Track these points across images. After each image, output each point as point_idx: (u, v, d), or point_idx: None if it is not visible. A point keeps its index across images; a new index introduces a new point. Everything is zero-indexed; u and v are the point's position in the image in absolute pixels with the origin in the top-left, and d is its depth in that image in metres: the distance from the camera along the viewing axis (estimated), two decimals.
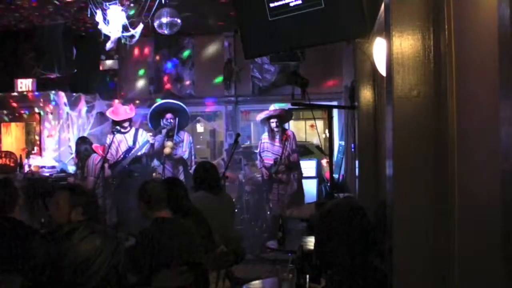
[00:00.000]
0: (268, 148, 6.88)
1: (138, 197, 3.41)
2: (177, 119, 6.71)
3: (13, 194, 3.47)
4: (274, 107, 7.03)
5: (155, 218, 3.34)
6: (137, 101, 9.04)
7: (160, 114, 6.77)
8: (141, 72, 9.73)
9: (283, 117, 6.92)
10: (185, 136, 6.87)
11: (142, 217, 3.48)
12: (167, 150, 6.55)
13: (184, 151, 6.74)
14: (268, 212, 7.02)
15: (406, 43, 2.16)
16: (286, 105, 7.90)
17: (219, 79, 9.47)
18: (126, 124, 6.66)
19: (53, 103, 8.59)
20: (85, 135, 7.90)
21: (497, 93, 1.35)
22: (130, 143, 6.58)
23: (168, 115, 6.68)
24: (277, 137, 6.84)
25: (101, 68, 9.31)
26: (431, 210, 2.12)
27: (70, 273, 2.79)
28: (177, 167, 6.76)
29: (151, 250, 3.17)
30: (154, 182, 3.66)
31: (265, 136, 7.01)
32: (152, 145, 6.54)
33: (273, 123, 6.81)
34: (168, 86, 9.59)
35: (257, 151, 7.23)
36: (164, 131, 6.61)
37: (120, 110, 6.77)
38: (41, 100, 8.64)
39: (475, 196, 1.82)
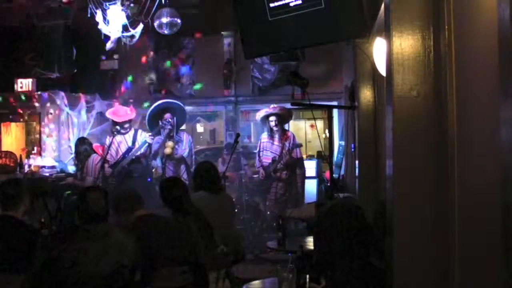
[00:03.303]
0: (267, 148, 6.86)
1: (113, 208, 3.43)
2: (175, 118, 6.71)
3: (21, 194, 3.47)
4: (274, 106, 7.01)
5: (136, 216, 3.35)
6: (131, 100, 9.02)
7: (158, 115, 6.76)
8: (141, 72, 9.72)
9: (282, 115, 6.89)
10: (185, 136, 6.88)
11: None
12: (167, 150, 6.55)
13: (184, 149, 6.74)
14: (268, 212, 7.00)
15: (406, 43, 2.16)
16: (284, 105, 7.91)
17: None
18: (126, 125, 6.65)
19: (53, 103, 8.59)
20: (85, 135, 7.90)
21: (497, 93, 1.35)
22: (130, 143, 6.58)
23: (167, 115, 6.67)
24: (276, 136, 6.81)
25: (101, 68, 9.30)
26: (431, 210, 2.12)
27: (72, 273, 2.79)
28: (179, 166, 6.76)
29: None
30: (122, 189, 3.70)
31: (264, 136, 6.98)
32: (150, 146, 6.52)
33: (272, 121, 6.77)
34: (168, 86, 9.60)
35: (255, 151, 7.21)
36: (164, 131, 6.60)
37: (121, 111, 6.76)
38: (41, 100, 8.63)
39: (475, 196, 1.82)
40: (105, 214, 3.15)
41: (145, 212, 3.44)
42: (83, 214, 3.12)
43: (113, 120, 6.81)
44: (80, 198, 3.19)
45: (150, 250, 3.18)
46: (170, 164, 6.71)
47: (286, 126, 7.98)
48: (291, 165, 6.81)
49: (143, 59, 9.58)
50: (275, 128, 6.78)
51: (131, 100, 8.98)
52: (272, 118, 6.78)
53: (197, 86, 9.58)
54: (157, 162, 6.94)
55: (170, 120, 6.64)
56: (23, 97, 8.66)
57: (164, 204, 3.75)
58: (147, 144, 6.47)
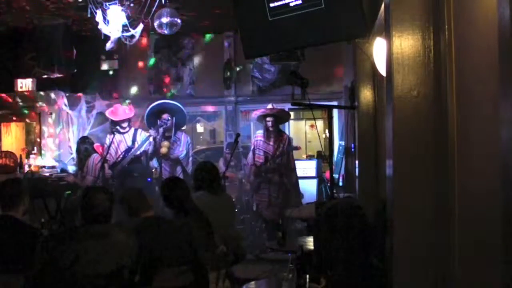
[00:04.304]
0: (261, 146, 6.75)
1: (119, 202, 3.46)
2: (174, 119, 6.71)
3: (21, 194, 3.46)
4: (271, 106, 6.93)
5: (142, 218, 3.36)
6: (135, 101, 9.03)
7: (156, 115, 6.77)
8: (141, 72, 9.72)
9: (279, 117, 6.80)
10: (183, 137, 6.86)
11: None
12: (163, 150, 6.56)
13: (181, 151, 6.73)
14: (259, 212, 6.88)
15: (406, 43, 2.17)
16: (284, 105, 7.91)
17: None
18: (125, 124, 6.66)
19: (53, 103, 8.59)
20: (85, 135, 7.90)
21: (497, 93, 1.35)
22: (129, 143, 6.59)
23: (165, 116, 6.68)
24: (272, 136, 6.72)
25: (101, 68, 9.30)
26: (431, 210, 2.12)
27: (72, 273, 2.79)
28: (175, 167, 6.75)
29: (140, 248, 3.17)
30: (131, 190, 3.72)
31: (259, 134, 6.85)
32: (151, 143, 6.53)
33: (269, 122, 6.65)
34: (167, 86, 9.60)
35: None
36: (161, 130, 6.60)
37: (119, 110, 6.77)
38: (41, 100, 8.64)
39: (475, 196, 1.82)
40: (108, 215, 3.14)
41: (152, 214, 3.44)
42: (87, 214, 3.11)
43: (111, 119, 6.83)
44: (84, 199, 3.18)
45: (152, 252, 3.18)
46: (166, 165, 6.71)
47: (285, 126, 7.95)
48: (282, 168, 6.72)
49: (143, 59, 9.58)
50: (271, 129, 6.69)
51: (129, 100, 8.99)
52: (269, 119, 6.67)
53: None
54: (153, 163, 6.94)
55: (168, 119, 6.65)
56: (23, 97, 8.66)
57: (165, 204, 3.75)
58: (148, 141, 6.47)
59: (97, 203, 3.08)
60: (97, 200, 3.09)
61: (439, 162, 2.09)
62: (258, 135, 6.87)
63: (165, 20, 6.48)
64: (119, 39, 6.69)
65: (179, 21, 6.57)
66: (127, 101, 8.73)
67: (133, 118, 7.13)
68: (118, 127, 6.66)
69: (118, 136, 6.58)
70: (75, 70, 8.75)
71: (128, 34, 6.61)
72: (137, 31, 6.59)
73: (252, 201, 6.93)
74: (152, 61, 9.53)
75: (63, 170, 7.80)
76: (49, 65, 8.53)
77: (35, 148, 8.62)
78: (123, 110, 6.77)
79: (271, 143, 6.68)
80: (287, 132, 7.97)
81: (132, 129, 6.75)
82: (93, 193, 3.18)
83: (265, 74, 9.23)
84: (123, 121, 6.64)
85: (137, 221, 3.36)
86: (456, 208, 1.96)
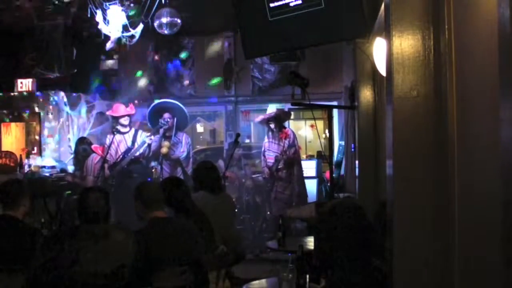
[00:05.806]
0: (270, 148, 6.96)
1: (134, 197, 3.44)
2: (175, 118, 6.71)
3: (21, 194, 3.46)
4: (270, 109, 7.09)
5: (151, 218, 3.34)
6: (136, 101, 9.02)
7: (158, 114, 6.78)
8: (141, 72, 9.72)
9: (279, 118, 6.97)
10: (184, 138, 6.87)
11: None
12: (164, 150, 6.56)
13: (182, 152, 6.74)
14: (268, 212, 7.03)
15: (406, 43, 2.16)
16: (284, 105, 7.95)
17: (216, 80, 9.48)
18: (125, 123, 6.65)
19: (53, 103, 8.60)
20: (85, 135, 7.90)
21: (497, 93, 1.35)
22: (129, 143, 6.59)
23: (166, 115, 6.69)
24: (277, 136, 6.91)
25: (101, 68, 9.30)
26: (431, 210, 2.12)
27: (72, 273, 2.79)
28: (175, 167, 6.76)
29: (147, 249, 3.17)
30: (149, 183, 3.68)
31: (267, 137, 7.10)
32: (149, 145, 6.53)
33: (272, 124, 6.88)
34: (167, 86, 9.60)
35: (254, 151, 7.29)
36: (161, 130, 6.60)
37: (120, 108, 6.77)
38: (41, 100, 8.64)
39: (475, 196, 1.82)
40: (105, 215, 3.14)
41: (163, 215, 3.41)
42: (83, 214, 3.12)
43: (112, 117, 6.83)
44: (80, 198, 3.19)
45: (153, 252, 3.18)
46: (166, 165, 6.71)
47: (286, 125, 8.00)
48: (290, 164, 6.84)
49: (143, 59, 9.58)
50: (274, 129, 6.89)
51: (136, 102, 9.00)
52: (270, 122, 6.90)
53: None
54: (153, 162, 6.95)
55: (168, 119, 6.65)
56: (23, 97, 8.67)
57: (165, 204, 3.74)
58: (146, 144, 6.48)
59: (92, 203, 3.09)
60: (92, 200, 3.10)
61: (439, 162, 2.09)
62: (266, 138, 7.08)
63: (165, 20, 6.49)
64: (119, 39, 6.69)
65: (179, 21, 6.58)
66: (136, 102, 8.74)
67: (133, 118, 7.12)
68: (118, 127, 6.65)
69: (118, 136, 6.58)
70: (75, 70, 8.75)
71: (128, 34, 6.61)
72: (137, 31, 6.60)
73: (269, 201, 7.01)
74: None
75: (63, 170, 7.80)
76: (49, 65, 8.54)
77: (35, 148, 8.63)
78: (123, 107, 6.77)
79: (277, 141, 6.86)
80: None
81: (133, 130, 6.75)
82: (88, 193, 3.19)
83: (265, 74, 9.23)
84: (122, 116, 6.61)
85: (146, 218, 3.35)
86: (456, 208, 1.96)
